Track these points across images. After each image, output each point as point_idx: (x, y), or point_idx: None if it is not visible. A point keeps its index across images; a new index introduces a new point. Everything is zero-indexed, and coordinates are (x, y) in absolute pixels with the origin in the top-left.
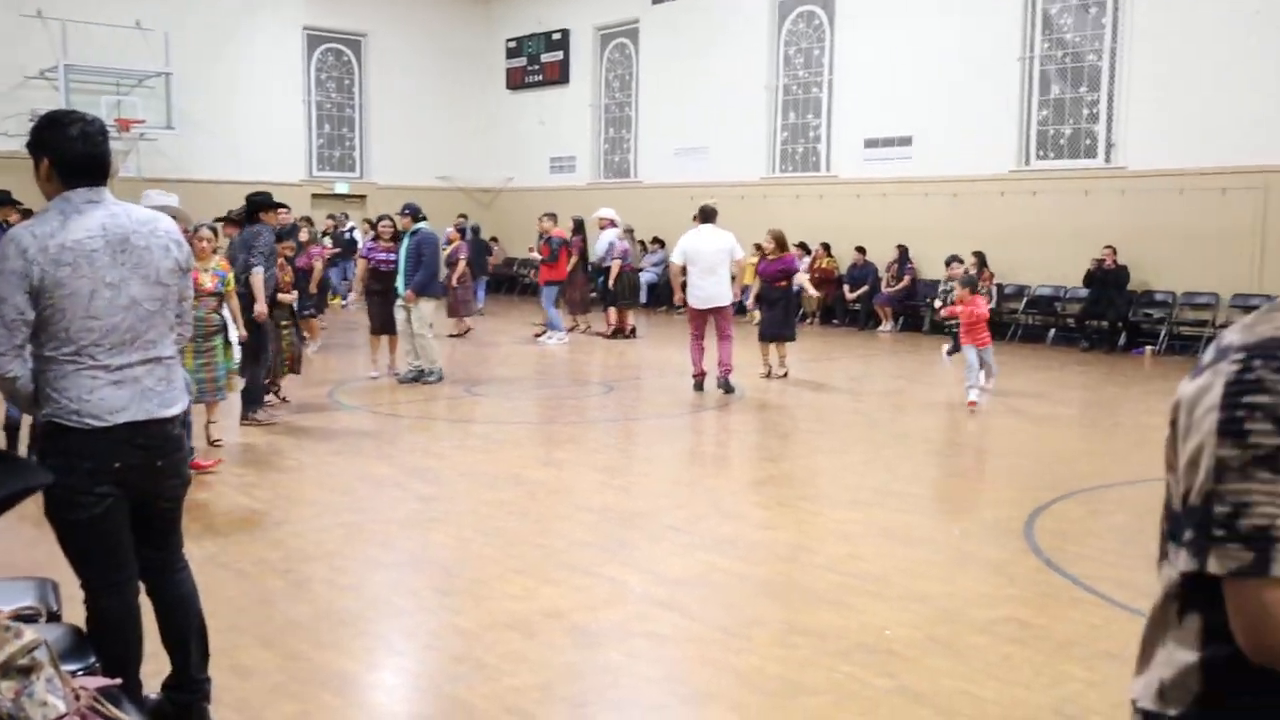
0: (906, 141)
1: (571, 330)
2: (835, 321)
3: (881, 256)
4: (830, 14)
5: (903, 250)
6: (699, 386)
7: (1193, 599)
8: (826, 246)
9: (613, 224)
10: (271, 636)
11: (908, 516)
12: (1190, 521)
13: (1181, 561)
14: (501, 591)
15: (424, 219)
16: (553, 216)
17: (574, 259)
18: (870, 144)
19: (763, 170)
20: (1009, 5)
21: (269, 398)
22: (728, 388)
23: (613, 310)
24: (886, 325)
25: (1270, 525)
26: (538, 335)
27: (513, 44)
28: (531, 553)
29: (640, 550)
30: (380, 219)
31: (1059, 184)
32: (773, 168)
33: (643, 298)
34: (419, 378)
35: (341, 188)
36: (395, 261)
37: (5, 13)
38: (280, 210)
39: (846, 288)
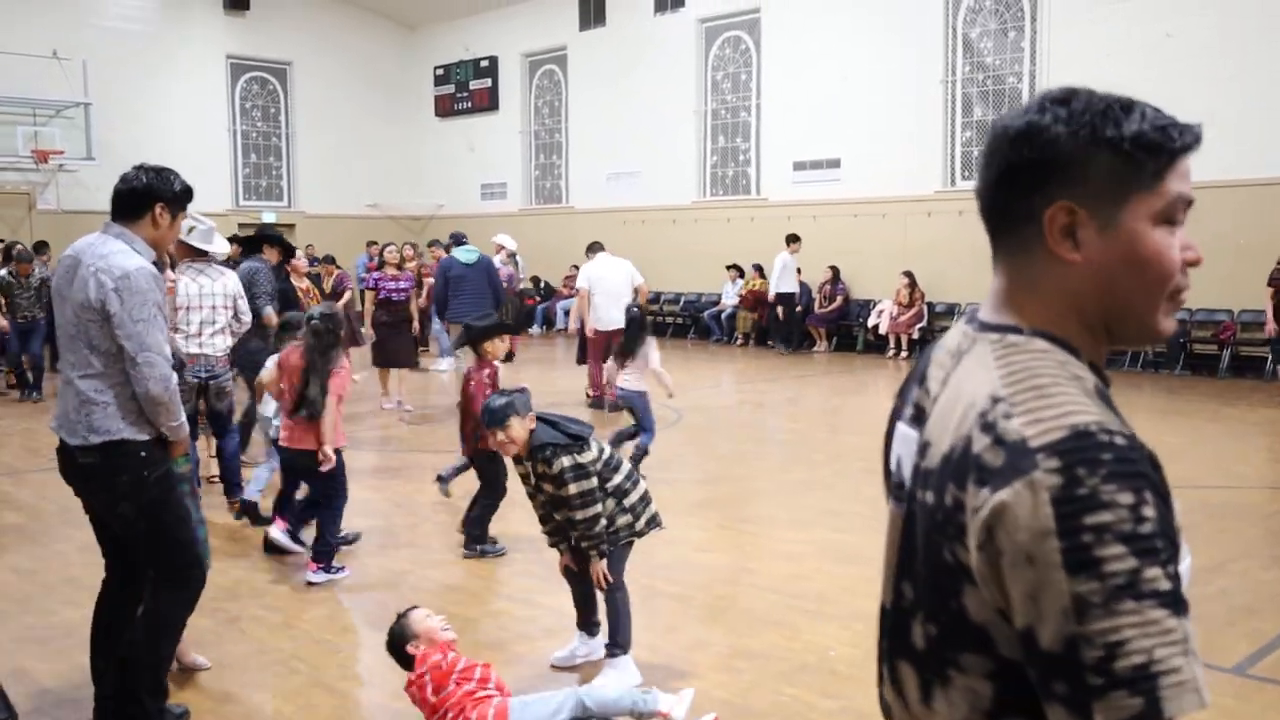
0: (835, 164)
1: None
2: (770, 343)
3: (813, 277)
4: (756, 39)
5: (835, 271)
6: (597, 404)
7: (1012, 711)
8: (759, 268)
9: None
10: (202, 678)
11: (847, 535)
12: (1056, 673)
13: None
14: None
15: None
16: (437, 243)
17: None
18: (799, 166)
19: (694, 194)
20: (931, 29)
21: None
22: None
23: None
24: (821, 345)
25: (1149, 661)
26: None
27: (440, 71)
28: (471, 583)
29: None
30: (387, 245)
31: None
32: (704, 191)
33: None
34: None
35: (269, 217)
36: (407, 291)
37: None
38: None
39: (780, 309)
